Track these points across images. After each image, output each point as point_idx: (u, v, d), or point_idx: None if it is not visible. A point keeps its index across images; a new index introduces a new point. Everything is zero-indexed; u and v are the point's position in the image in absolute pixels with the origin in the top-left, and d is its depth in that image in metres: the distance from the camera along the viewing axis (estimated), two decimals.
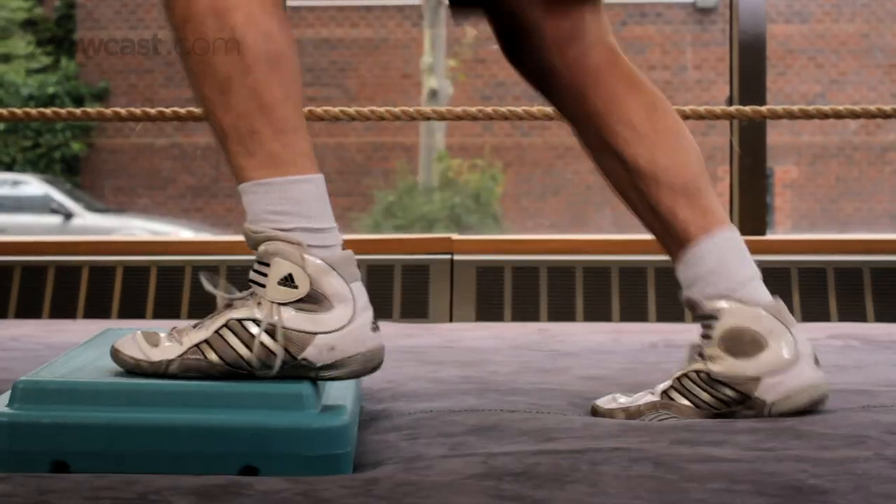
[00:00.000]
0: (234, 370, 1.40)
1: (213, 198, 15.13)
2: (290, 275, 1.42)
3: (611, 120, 1.71)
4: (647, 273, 3.34)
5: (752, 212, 3.47)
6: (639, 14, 14.99)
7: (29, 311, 3.38)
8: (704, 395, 1.63)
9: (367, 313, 1.45)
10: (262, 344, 1.40)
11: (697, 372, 1.64)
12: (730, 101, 3.66)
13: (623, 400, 1.69)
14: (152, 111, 3.27)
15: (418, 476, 1.24)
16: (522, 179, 14.56)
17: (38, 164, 14.95)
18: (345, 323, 1.42)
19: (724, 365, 1.62)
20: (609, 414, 1.66)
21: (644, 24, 14.98)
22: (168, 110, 3.28)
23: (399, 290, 3.30)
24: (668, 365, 2.19)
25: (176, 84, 15.10)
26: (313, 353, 1.40)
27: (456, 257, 3.38)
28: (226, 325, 1.42)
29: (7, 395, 1.33)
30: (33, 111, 3.34)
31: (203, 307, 3.34)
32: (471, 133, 14.54)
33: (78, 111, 3.46)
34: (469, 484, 1.21)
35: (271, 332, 1.40)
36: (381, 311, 3.21)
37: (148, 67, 15.22)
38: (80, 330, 2.85)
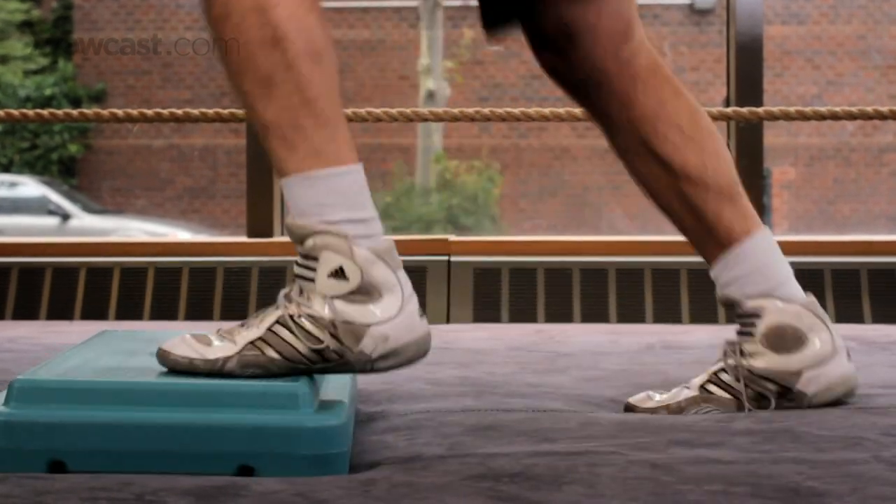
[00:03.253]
0: (293, 365, 1.41)
1: (211, 199, 15.12)
2: (341, 267, 1.42)
3: (659, 124, 1.72)
4: (645, 275, 3.34)
5: None
6: None
7: (26, 312, 3.38)
8: (745, 389, 1.68)
9: (414, 299, 1.46)
10: (318, 339, 1.41)
11: (736, 367, 1.68)
12: (727, 103, 3.66)
13: (660, 398, 1.71)
14: (150, 112, 3.27)
15: (415, 477, 1.24)
16: (520, 181, 14.56)
17: (36, 166, 14.95)
18: (396, 312, 1.43)
19: (767, 360, 1.67)
20: (651, 412, 1.69)
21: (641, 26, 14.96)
22: (165, 111, 3.28)
23: None
24: (665, 366, 2.19)
25: (173, 85, 15.10)
26: (369, 344, 1.42)
27: (453, 259, 3.38)
28: (278, 322, 1.42)
29: (3, 394, 1.33)
30: (31, 112, 3.34)
31: (200, 308, 3.34)
32: (468, 134, 14.54)
33: (75, 112, 3.47)
34: (466, 485, 1.21)
35: (326, 326, 1.41)
36: None
37: (145, 69, 15.22)
38: (77, 331, 2.84)
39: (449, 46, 14.72)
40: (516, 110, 3.27)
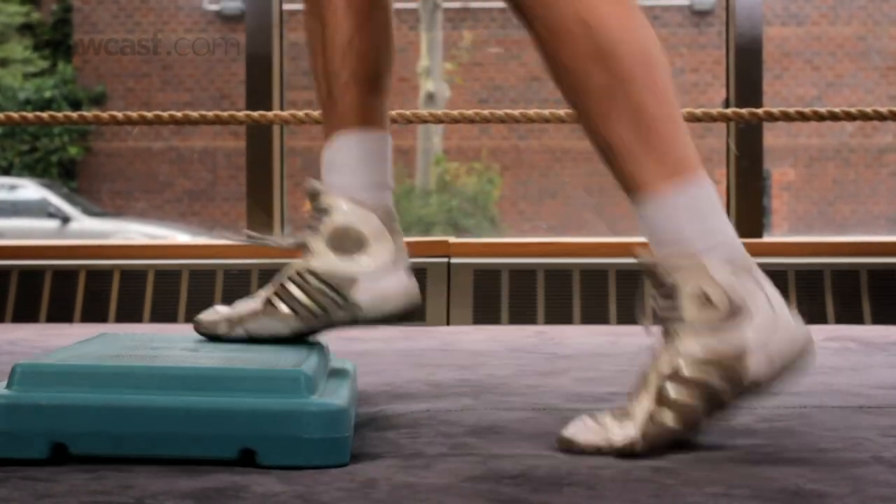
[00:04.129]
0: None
1: (210, 201, 15.13)
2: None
3: None
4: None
5: (749, 214, 3.47)
6: None
7: (26, 315, 3.38)
8: (303, 297, 1.62)
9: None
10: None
11: (300, 272, 1.63)
12: (726, 104, 3.66)
13: (224, 310, 1.66)
14: (149, 115, 3.27)
15: (416, 478, 1.24)
16: (520, 182, 14.56)
17: (36, 169, 14.95)
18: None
19: (326, 262, 1.62)
20: (211, 326, 1.64)
21: None
22: (165, 114, 3.28)
23: None
24: None
25: (173, 88, 15.11)
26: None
27: (453, 260, 3.38)
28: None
29: (4, 383, 1.34)
30: (30, 115, 3.34)
31: (200, 311, 3.34)
32: (468, 136, 14.54)
33: (75, 115, 3.46)
34: (467, 486, 1.21)
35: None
36: None
37: (145, 71, 15.23)
38: (77, 334, 2.85)
39: (448, 48, 14.73)
40: (516, 112, 3.27)
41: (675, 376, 1.37)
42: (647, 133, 1.39)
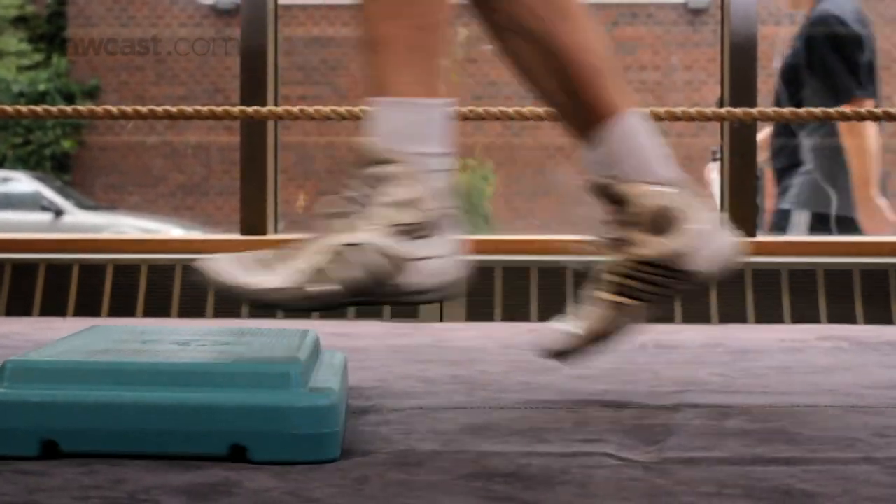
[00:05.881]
0: (351, 291, 1.45)
1: (204, 196, 15.11)
2: (409, 199, 1.45)
3: (535, 4, 1.70)
4: None
5: (742, 213, 3.47)
6: (630, 14, 15.01)
7: (19, 308, 3.38)
8: (641, 285, 1.64)
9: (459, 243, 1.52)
10: (369, 266, 1.44)
11: (626, 262, 1.64)
12: (721, 103, 3.66)
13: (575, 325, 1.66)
14: (143, 109, 3.27)
15: (408, 475, 1.24)
16: (513, 179, 14.57)
17: (29, 161, 14.93)
18: (445, 252, 1.49)
19: (654, 246, 1.64)
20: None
21: (635, 25, 15.00)
22: (159, 108, 3.28)
23: None
24: (657, 365, 2.20)
25: (167, 82, 15.09)
26: (414, 276, 1.46)
27: None
28: (334, 251, 1.44)
29: None
30: (24, 108, 3.33)
31: (193, 306, 3.34)
32: (462, 133, 14.46)
33: (69, 108, 3.45)
34: (459, 484, 1.21)
35: (381, 253, 1.44)
36: (371, 310, 3.21)
37: (139, 65, 15.21)
38: (70, 328, 2.84)
39: None
40: (510, 109, 3.27)
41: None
42: (424, 43, 1.47)
